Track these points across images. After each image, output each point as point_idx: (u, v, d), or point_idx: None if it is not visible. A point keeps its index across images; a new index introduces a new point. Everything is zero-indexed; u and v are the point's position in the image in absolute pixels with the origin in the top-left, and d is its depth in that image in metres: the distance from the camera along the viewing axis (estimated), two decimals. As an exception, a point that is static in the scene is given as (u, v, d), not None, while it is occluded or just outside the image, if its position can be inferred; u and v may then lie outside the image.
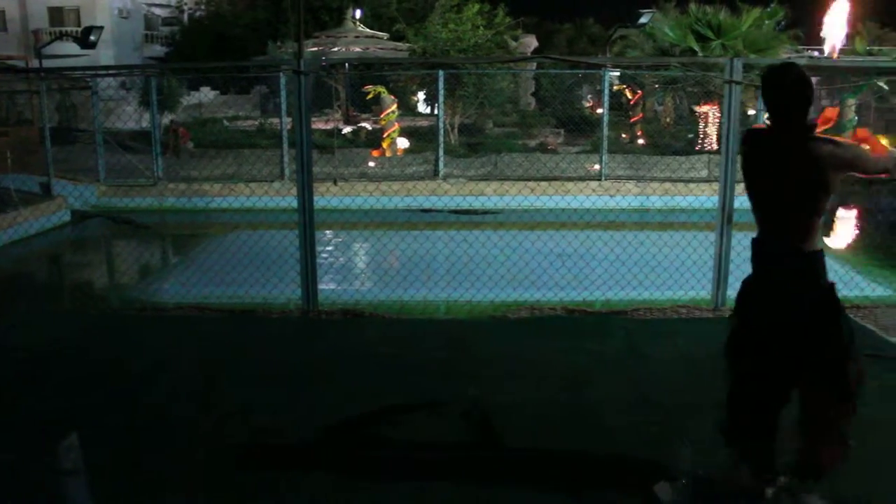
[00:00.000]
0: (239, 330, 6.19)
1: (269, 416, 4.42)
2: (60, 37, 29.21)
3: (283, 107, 15.51)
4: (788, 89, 3.20)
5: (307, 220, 6.49)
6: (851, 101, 19.61)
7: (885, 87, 20.72)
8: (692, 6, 19.93)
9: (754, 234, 3.39)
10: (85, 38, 21.88)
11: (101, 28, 23.37)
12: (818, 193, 3.18)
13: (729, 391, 3.46)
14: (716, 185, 6.77)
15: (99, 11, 38.56)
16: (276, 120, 17.72)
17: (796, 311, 3.25)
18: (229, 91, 28.94)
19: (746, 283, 3.47)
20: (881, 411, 4.56)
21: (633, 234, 8.45)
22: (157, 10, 43.12)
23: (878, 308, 6.78)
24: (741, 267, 6.87)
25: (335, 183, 10.22)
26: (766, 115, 3.33)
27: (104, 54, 33.44)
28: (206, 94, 27.62)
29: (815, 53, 30.92)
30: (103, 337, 6.01)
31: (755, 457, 3.41)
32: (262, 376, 5.08)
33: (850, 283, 8.48)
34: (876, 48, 30.35)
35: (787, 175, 3.20)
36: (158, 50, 38.81)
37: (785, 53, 20.68)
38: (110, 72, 17.38)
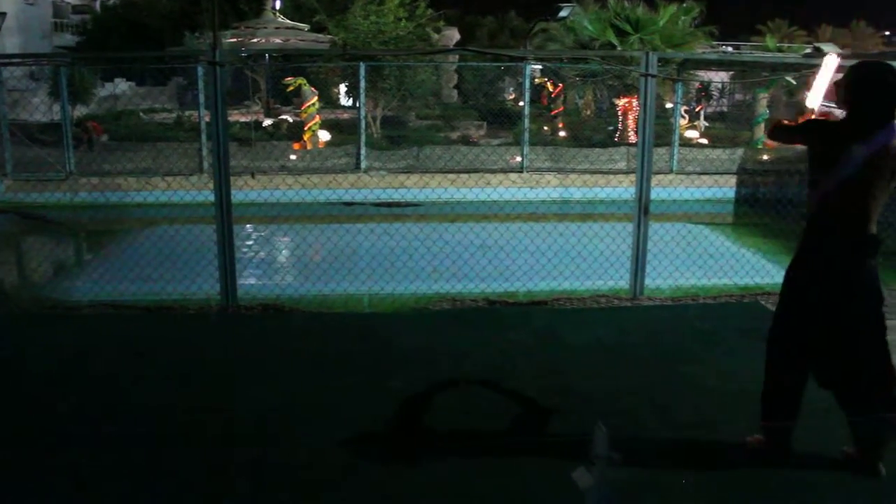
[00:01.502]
0: (155, 327, 6.04)
1: (187, 415, 4.32)
2: (-38, 24, 27.94)
3: (201, 99, 15.16)
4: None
5: (225, 215, 6.37)
6: (763, 96, 20.27)
7: (794, 82, 21.47)
8: (611, 1, 20.29)
9: (811, 220, 3.62)
10: (-13, 26, 20.97)
11: (4, 14, 22.43)
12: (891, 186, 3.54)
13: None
14: (634, 177, 6.90)
15: (3, -2, 37.02)
16: (194, 112, 17.31)
17: (859, 282, 3.60)
18: (146, 83, 28.16)
19: (817, 261, 3.65)
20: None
21: (553, 225, 8.56)
22: (67, -2, 41.69)
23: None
24: (657, 256, 7.08)
25: (253, 176, 10.05)
26: (844, 109, 3.58)
27: (9, 42, 32.15)
28: (121, 85, 26.82)
29: (729, 49, 31.86)
30: (11, 337, 5.78)
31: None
32: (178, 374, 4.97)
33: (762, 271, 8.78)
34: (785, 45, 31.43)
35: (876, 170, 3.44)
36: (69, 39, 37.51)
37: (700, 48, 21.25)
38: (14, 60, 16.71)
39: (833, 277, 3.60)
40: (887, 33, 53.70)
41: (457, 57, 22.18)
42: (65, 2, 41.61)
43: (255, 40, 22.12)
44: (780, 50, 27.05)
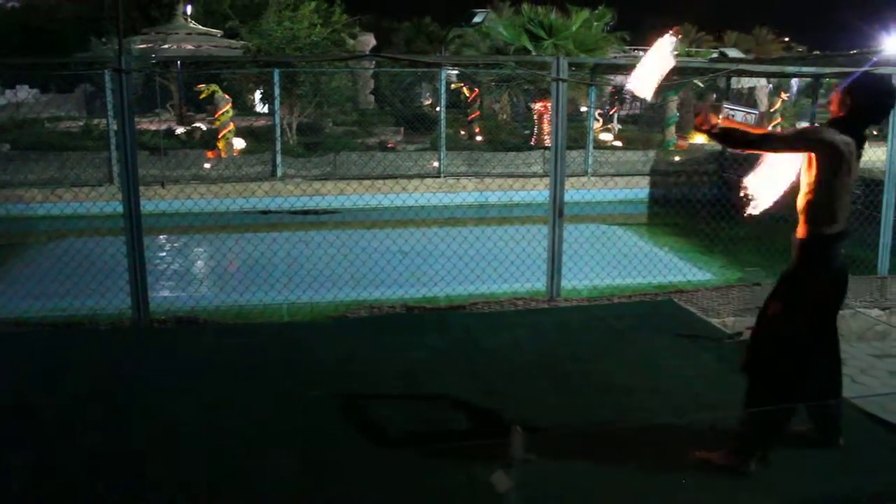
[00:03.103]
0: (63, 344, 5.83)
1: (97, 435, 4.18)
2: None
3: (110, 107, 14.70)
4: (886, 105, 3.80)
5: (134, 226, 6.21)
6: (673, 98, 20.84)
7: (702, 84, 22.15)
8: (525, 6, 20.53)
9: (828, 231, 3.66)
10: None
11: None
12: None
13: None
14: (548, 180, 7.00)
15: None
16: (102, 120, 16.77)
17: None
18: (50, 90, 27.19)
19: (833, 263, 3.76)
20: (699, 389, 4.87)
21: (471, 229, 8.60)
22: (-36, 2, 39.94)
23: (699, 291, 7.25)
24: (573, 258, 7.19)
25: (163, 185, 9.78)
26: (832, 114, 3.74)
27: None
28: (20, 92, 25.82)
29: (641, 54, 32.65)
30: None
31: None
32: (87, 392, 4.80)
33: (675, 269, 9.02)
34: (693, 49, 32.42)
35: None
36: (-37, 44, 35.93)
37: (613, 53, 21.70)
38: None
39: (844, 279, 3.82)
40: (787, 38, 56.02)
41: (373, 62, 22.11)
42: (-39, 6, 39.87)
43: (165, 46, 21.65)
44: (688, 54, 27.89)
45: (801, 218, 3.72)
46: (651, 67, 4.03)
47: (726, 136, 3.82)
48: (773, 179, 3.89)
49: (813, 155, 3.63)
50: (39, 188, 12.96)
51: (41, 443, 4.10)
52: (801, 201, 3.72)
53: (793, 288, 3.78)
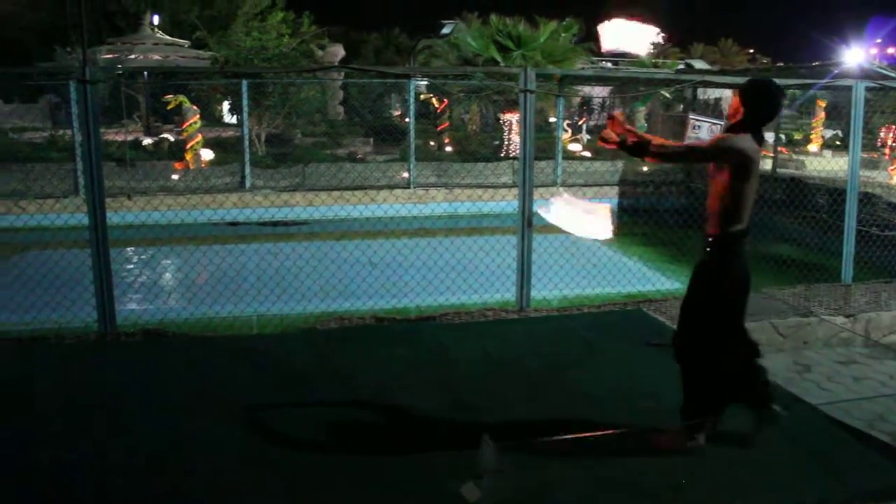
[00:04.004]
0: (27, 358, 5.73)
1: (59, 450, 4.11)
2: None
3: (75, 118, 14.52)
4: (780, 104, 4.00)
5: (100, 238, 6.15)
6: (641, 109, 21.05)
7: (669, 95, 22.41)
8: (493, 18, 20.63)
9: (737, 229, 3.92)
10: None
11: None
12: None
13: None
14: (517, 191, 7.03)
15: None
16: (67, 131, 16.57)
17: None
18: (13, 100, 26.81)
19: (740, 260, 4.01)
20: (668, 395, 4.90)
21: (441, 240, 8.60)
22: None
23: (667, 300, 7.30)
24: (542, 268, 7.22)
25: (129, 198, 9.67)
26: (733, 120, 3.97)
27: None
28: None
29: (608, 65, 32.95)
30: None
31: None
32: (51, 406, 4.72)
33: (644, 279, 9.08)
34: (660, 61, 32.81)
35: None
36: (-77, 54, 35.29)
37: (580, 64, 21.88)
38: None
39: (748, 272, 4.05)
40: (752, 50, 56.97)
41: (342, 74, 22.09)
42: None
43: (132, 56, 21.46)
44: (654, 66, 28.23)
45: (713, 217, 3.96)
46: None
47: (642, 149, 3.97)
48: (580, 212, 4.30)
49: (728, 161, 3.87)
50: (2, 199, 12.76)
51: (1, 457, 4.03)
52: (712, 202, 3.96)
53: (706, 282, 4.03)
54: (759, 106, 3.94)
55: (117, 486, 3.78)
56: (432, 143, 21.12)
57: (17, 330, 6.62)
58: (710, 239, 4.00)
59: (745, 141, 3.86)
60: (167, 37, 24.26)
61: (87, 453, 4.12)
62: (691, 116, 8.85)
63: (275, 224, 11.96)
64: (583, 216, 4.18)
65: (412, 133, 15.93)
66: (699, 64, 40.22)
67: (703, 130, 8.14)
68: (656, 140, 4.01)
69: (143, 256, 10.97)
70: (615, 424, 4.43)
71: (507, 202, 9.82)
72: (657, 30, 4.24)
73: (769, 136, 20.79)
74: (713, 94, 24.74)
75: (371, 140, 21.15)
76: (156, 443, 4.24)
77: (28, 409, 4.72)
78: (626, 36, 4.14)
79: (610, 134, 3.98)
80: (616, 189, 16.01)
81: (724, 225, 3.92)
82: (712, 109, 25.69)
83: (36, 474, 3.88)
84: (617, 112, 4.21)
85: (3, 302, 7.29)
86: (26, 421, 4.54)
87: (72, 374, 5.38)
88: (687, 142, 4.41)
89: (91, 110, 6.10)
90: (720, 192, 3.90)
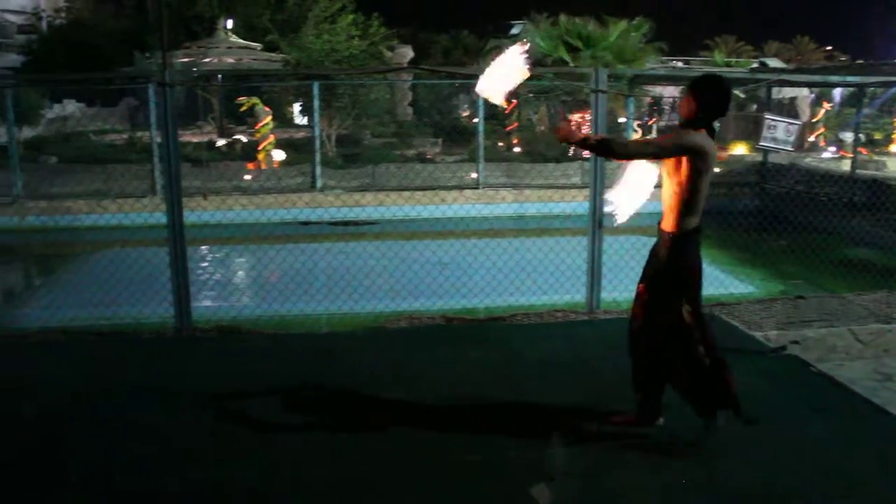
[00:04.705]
0: (108, 353, 5.91)
1: (139, 443, 4.24)
2: None
3: (153, 120, 14.95)
4: (729, 99, 4.04)
5: (177, 236, 6.29)
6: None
7: (742, 95, 21.93)
8: (562, 18, 20.52)
9: (692, 225, 3.99)
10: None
11: (-54, 36, 21.93)
12: None
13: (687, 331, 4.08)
14: (588, 191, 6.97)
15: (-55, 18, 36.20)
16: (145, 133, 17.07)
17: None
18: (95, 103, 27.72)
19: (697, 255, 4.08)
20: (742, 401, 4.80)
21: (510, 241, 8.59)
22: (12, 17, 40.85)
23: (741, 304, 7.14)
24: (612, 270, 7.14)
25: (205, 197, 9.92)
26: (685, 116, 4.00)
27: (-49, 64, 31.43)
28: (69, 106, 26.38)
29: (679, 64, 32.44)
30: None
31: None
32: (131, 400, 4.87)
33: (717, 282, 8.91)
34: (732, 59, 32.12)
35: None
36: (14, 59, 36.73)
37: (650, 64, 21.60)
38: (-42, 83, 16.34)
39: (701, 266, 4.12)
40: (829, 47, 55.21)
41: (411, 74, 22.23)
42: (10, 21, 40.83)
43: (206, 60, 21.96)
44: (727, 64, 27.66)
45: (669, 213, 4.02)
46: (503, 72, 4.05)
47: (604, 147, 4.00)
48: (636, 191, 4.19)
49: (685, 158, 3.91)
50: (85, 199, 13.24)
51: (85, 449, 4.17)
52: (668, 199, 4.02)
53: (662, 276, 4.08)
54: (713, 101, 3.98)
55: (208, 475, 3.88)
56: (501, 144, 21.08)
57: (98, 325, 6.85)
58: (667, 236, 4.05)
59: (703, 138, 3.93)
60: (240, 40, 24.75)
61: (179, 443, 4.25)
62: (766, 116, 8.65)
63: (345, 224, 12.11)
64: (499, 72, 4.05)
65: (481, 133, 15.93)
66: (774, 62, 39.20)
67: (780, 130, 7.95)
68: (619, 141, 4.10)
69: (217, 255, 11.24)
70: (682, 429, 4.36)
71: (577, 203, 9.73)
72: (522, 47, 4.11)
73: (848, 137, 20.18)
74: (789, 93, 24.11)
75: (440, 140, 21.23)
76: (238, 434, 4.34)
77: (120, 400, 4.87)
78: (503, 71, 4.08)
79: (571, 131, 4.03)
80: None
81: (680, 221, 3.98)
82: (787, 109, 25.05)
83: (122, 461, 4.02)
84: (570, 116, 4.23)
85: (85, 297, 7.55)
86: (120, 411, 4.68)
87: (152, 368, 5.54)
88: (648, 139, 4.42)
89: (170, 112, 6.26)
90: (677, 188, 3.97)
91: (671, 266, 4.05)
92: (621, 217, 4.20)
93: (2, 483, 3.83)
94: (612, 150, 4.00)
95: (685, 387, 4.16)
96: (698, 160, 3.90)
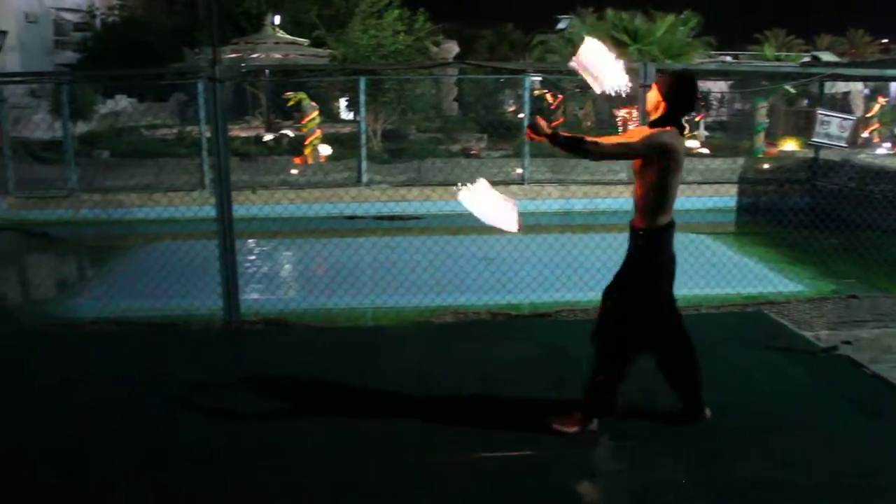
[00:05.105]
0: (158, 344, 6.04)
1: (194, 432, 4.32)
2: (-39, 43, 28.02)
3: (202, 115, 15.18)
4: (697, 95, 4.09)
5: (226, 230, 6.38)
6: (762, 105, 20.30)
7: (793, 90, 21.54)
8: (609, 12, 20.36)
9: (665, 222, 4.01)
10: (-12, 44, 21.10)
11: (6, 33, 22.55)
12: None
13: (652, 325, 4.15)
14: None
15: (3, 16, 37.04)
16: (194, 128, 17.35)
17: None
18: (146, 99, 28.19)
19: (670, 250, 4.14)
20: (790, 404, 4.73)
21: (556, 236, 8.56)
22: (68, 16, 41.69)
23: (790, 303, 7.03)
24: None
25: (254, 191, 10.06)
26: (653, 114, 4.01)
27: (10, 60, 32.20)
28: (122, 101, 26.86)
29: (728, 59, 31.96)
30: (15, 354, 5.78)
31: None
32: (183, 390, 4.97)
33: (766, 280, 8.78)
34: (783, 54, 31.54)
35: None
36: (70, 56, 37.52)
37: (699, 59, 21.31)
38: (15, 79, 16.78)
39: (674, 262, 4.18)
40: (885, 40, 53.79)
41: (456, 70, 22.23)
42: (66, 20, 41.71)
43: (254, 55, 22.21)
44: (777, 59, 27.16)
45: (641, 211, 4.04)
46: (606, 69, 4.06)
47: (575, 145, 3.98)
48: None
49: (655, 157, 3.92)
50: (137, 193, 13.51)
51: (139, 437, 4.26)
52: (639, 197, 4.04)
53: (635, 273, 4.10)
54: (681, 98, 3.99)
55: (256, 466, 3.95)
56: (546, 139, 20.96)
57: (149, 316, 6.99)
58: (639, 233, 4.05)
59: (673, 136, 3.94)
60: (287, 36, 24.98)
61: (226, 434, 4.33)
62: (819, 112, 8.48)
63: (391, 218, 12.17)
64: (493, 206, 4.16)
65: (526, 129, 15.86)
66: (826, 56, 38.37)
67: (833, 126, 7.80)
68: (590, 138, 4.02)
69: (264, 248, 11.38)
70: (731, 429, 4.32)
71: (624, 199, 9.63)
72: (627, 80, 4.10)
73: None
74: (843, 87, 23.59)
75: (485, 136, 21.19)
76: (287, 427, 4.41)
77: (172, 390, 4.97)
78: (601, 63, 4.05)
79: (541, 125, 3.99)
80: (735, 187, 15.51)
81: (652, 218, 4.00)
82: (840, 104, 24.54)
83: (177, 450, 4.10)
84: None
85: (136, 289, 7.70)
86: (172, 401, 4.79)
87: (202, 359, 5.64)
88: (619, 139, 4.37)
89: (219, 107, 6.35)
90: (648, 186, 3.98)
91: (645, 262, 4.08)
92: (515, 226, 4.23)
93: (57, 469, 3.93)
94: (583, 148, 3.96)
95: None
96: (668, 159, 3.91)
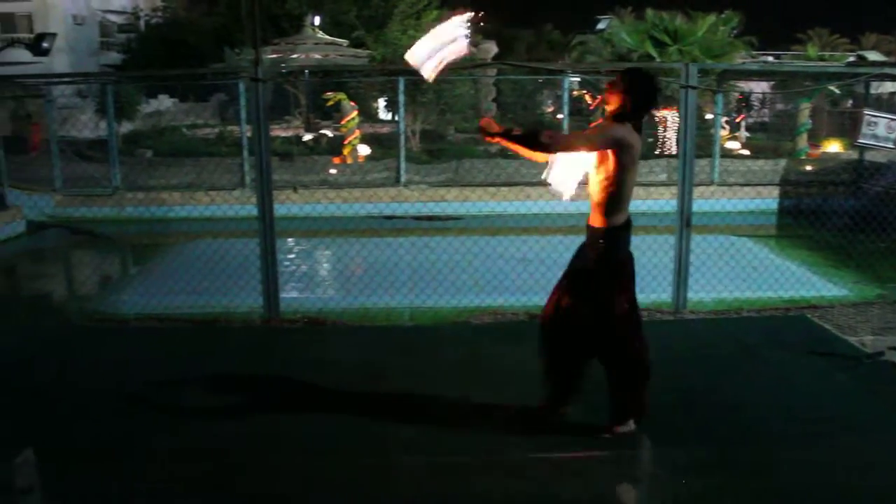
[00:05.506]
0: (200, 340, 6.12)
1: (234, 428, 4.38)
2: (12, 44, 28.67)
3: (243, 114, 15.36)
4: (657, 93, 4.10)
5: (267, 228, 6.45)
6: (805, 106, 20.00)
7: (837, 91, 21.17)
8: (649, 12, 20.18)
9: (622, 220, 4.01)
10: (37, 46, 21.55)
11: (55, 35, 23.00)
12: None
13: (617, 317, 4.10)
14: (675, 189, 6.85)
15: (52, 18, 37.90)
16: (235, 128, 17.57)
17: None
18: (188, 99, 28.61)
19: (627, 249, 4.12)
20: (834, 410, 4.66)
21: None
22: (113, 17, 42.51)
23: (834, 308, 6.91)
24: (700, 269, 7.01)
25: (295, 190, 10.16)
26: (612, 110, 3.98)
27: (58, 61, 32.92)
28: (164, 101, 27.29)
29: (770, 59, 31.52)
30: (60, 350, 5.90)
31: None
32: (224, 387, 5.04)
33: (808, 284, 8.64)
34: (827, 54, 31.01)
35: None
36: (115, 57, 38.21)
37: (740, 59, 21.04)
38: (65, 80, 17.11)
39: (632, 260, 4.16)
40: (933, 40, 52.56)
41: (495, 70, 22.19)
42: (111, 21, 42.49)
43: (294, 56, 22.40)
44: (821, 59, 26.72)
45: (597, 209, 4.02)
46: (437, 44, 4.04)
47: (530, 139, 3.94)
48: (572, 170, 4.17)
49: (611, 152, 3.89)
50: (179, 192, 13.70)
51: (190, 433, 4.33)
52: (595, 194, 4.01)
53: (593, 273, 4.06)
54: (641, 95, 3.97)
55: (294, 462, 3.99)
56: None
57: (190, 313, 7.09)
58: (599, 232, 4.04)
59: (629, 131, 3.93)
60: (327, 37, 25.16)
61: (267, 428, 4.37)
62: (866, 112, 8.31)
63: (429, 218, 12.20)
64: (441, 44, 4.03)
65: (565, 129, 15.81)
66: (873, 55, 37.63)
67: (881, 127, 7.65)
68: (546, 132, 3.99)
69: (303, 247, 11.48)
70: (774, 435, 4.27)
71: (664, 200, 9.55)
72: (461, 19, 4.00)
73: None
74: (888, 87, 23.14)
75: (524, 136, 21.10)
76: (327, 424, 4.45)
77: (214, 386, 5.06)
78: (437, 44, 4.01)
79: (492, 124, 3.96)
80: (777, 189, 15.30)
81: (609, 216, 3.99)
82: (887, 104, 24.06)
83: (220, 447, 4.16)
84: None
85: (178, 286, 7.81)
86: (214, 397, 4.86)
87: (245, 356, 5.71)
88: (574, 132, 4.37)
89: (261, 107, 6.42)
90: (604, 182, 3.95)
91: (602, 262, 4.05)
92: (567, 194, 4.22)
93: (101, 461, 4.01)
94: (538, 142, 3.92)
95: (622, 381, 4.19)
96: (624, 154, 3.89)
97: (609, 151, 3.90)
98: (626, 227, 4.05)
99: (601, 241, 4.03)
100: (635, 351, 4.15)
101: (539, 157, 4.14)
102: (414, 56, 4.07)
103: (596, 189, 4.00)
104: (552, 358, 4.29)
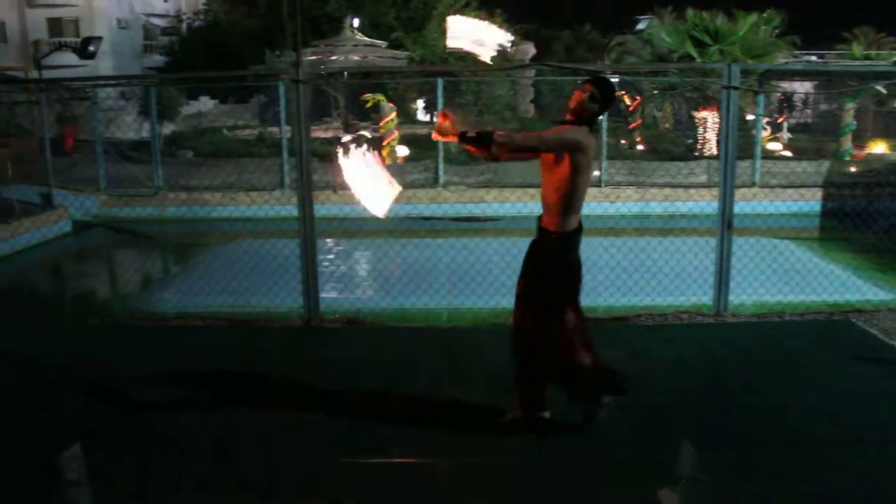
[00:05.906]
0: (241, 339, 6.19)
1: (278, 427, 4.43)
2: (60, 47, 29.26)
3: (283, 116, 15.51)
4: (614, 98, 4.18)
5: (307, 229, 6.49)
6: (850, 106, 19.63)
7: (884, 90, 20.75)
8: (689, 12, 19.99)
9: (575, 223, 4.02)
10: (84, 49, 21.97)
11: (100, 39, 23.43)
12: None
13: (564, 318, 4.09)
14: (715, 191, 6.78)
15: (98, 22, 38.68)
16: (275, 129, 17.73)
17: None
18: (228, 100, 28.93)
19: (577, 253, 4.14)
20: (880, 416, 4.58)
21: (633, 240, 8.45)
22: (156, 20, 43.22)
23: (879, 312, 6.79)
24: (741, 272, 6.93)
25: (335, 191, 10.25)
26: (574, 110, 4.00)
27: (103, 64, 33.55)
28: (206, 103, 27.63)
29: (813, 58, 31.00)
30: (104, 347, 6.01)
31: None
32: (266, 386, 5.10)
33: (853, 288, 8.50)
34: (873, 52, 30.40)
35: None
36: (158, 60, 38.84)
37: (782, 58, 20.74)
38: (109, 82, 17.42)
39: (580, 263, 4.17)
40: None
41: (533, 71, 22.13)
42: (154, 24, 43.19)
43: (334, 57, 22.55)
44: (867, 58, 26.19)
45: (550, 211, 4.03)
46: (477, 34, 4.23)
47: (486, 141, 3.91)
48: (377, 182, 4.15)
49: (568, 155, 3.90)
50: (219, 192, 13.87)
51: (221, 430, 4.39)
52: (548, 196, 4.02)
53: (545, 275, 4.08)
54: (606, 105, 4.07)
55: (332, 459, 4.03)
56: (624, 142, 20.73)
57: (232, 312, 7.17)
58: (552, 235, 4.03)
59: (585, 134, 3.95)
60: (366, 38, 25.30)
61: (309, 422, 4.42)
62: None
63: (468, 220, 12.21)
64: (372, 183, 4.07)
65: (604, 131, 15.72)
66: (920, 55, 36.84)
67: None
68: (500, 133, 3.96)
69: (341, 247, 11.55)
70: (818, 441, 4.20)
71: (705, 202, 9.46)
72: (509, 35, 4.13)
73: None
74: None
75: (561, 138, 21.01)
76: (365, 424, 4.49)
77: (256, 385, 5.12)
78: (473, 35, 4.02)
79: (447, 126, 3.95)
80: (820, 191, 15.05)
81: (562, 218, 3.99)
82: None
83: (260, 442, 4.22)
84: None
85: (219, 285, 7.91)
86: (256, 396, 4.91)
87: (285, 355, 5.78)
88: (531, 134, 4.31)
89: (302, 108, 6.48)
90: (558, 184, 3.96)
91: (554, 264, 4.06)
92: (382, 211, 4.12)
93: (147, 456, 4.09)
94: (493, 143, 3.90)
95: (566, 377, 4.19)
96: (579, 156, 3.90)
97: (565, 154, 3.92)
98: (578, 231, 4.06)
99: (552, 243, 4.04)
100: (567, 352, 4.13)
101: (504, 157, 4.16)
102: (454, 26, 4.25)
103: (548, 191, 4.03)
104: (529, 362, 4.24)
